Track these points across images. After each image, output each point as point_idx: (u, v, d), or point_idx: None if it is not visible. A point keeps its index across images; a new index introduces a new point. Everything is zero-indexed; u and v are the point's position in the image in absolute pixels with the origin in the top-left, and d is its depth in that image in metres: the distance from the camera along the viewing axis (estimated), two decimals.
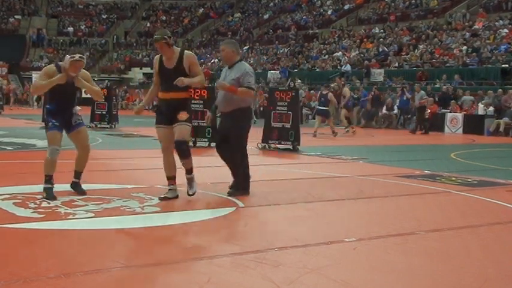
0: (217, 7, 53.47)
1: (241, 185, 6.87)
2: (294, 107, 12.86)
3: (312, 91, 28.10)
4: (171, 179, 6.47)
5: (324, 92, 17.40)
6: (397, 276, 4.04)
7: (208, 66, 39.70)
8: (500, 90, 21.38)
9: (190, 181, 6.42)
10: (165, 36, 6.21)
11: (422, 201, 6.97)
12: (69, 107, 6.44)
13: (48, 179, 6.24)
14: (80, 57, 6.28)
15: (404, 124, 23.46)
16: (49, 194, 6.15)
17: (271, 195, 6.94)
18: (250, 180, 6.94)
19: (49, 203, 5.92)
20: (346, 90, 21.06)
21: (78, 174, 6.63)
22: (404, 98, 22.79)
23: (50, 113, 6.41)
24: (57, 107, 6.38)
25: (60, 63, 6.48)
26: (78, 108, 6.58)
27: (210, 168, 9.62)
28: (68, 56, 6.34)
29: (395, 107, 23.25)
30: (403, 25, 32.99)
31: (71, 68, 6.26)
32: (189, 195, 6.36)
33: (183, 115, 6.30)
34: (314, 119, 19.69)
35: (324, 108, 17.29)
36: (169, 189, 6.43)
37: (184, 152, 6.36)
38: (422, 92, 20.90)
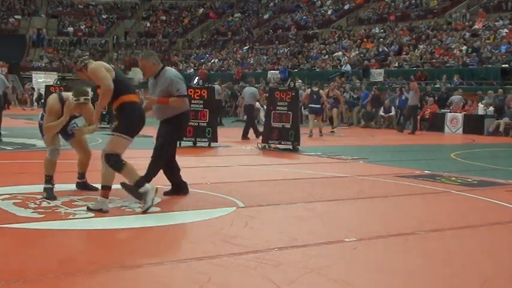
0: (217, 7, 53.45)
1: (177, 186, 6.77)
2: (294, 107, 12.86)
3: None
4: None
5: (315, 89, 17.39)
6: (397, 276, 4.04)
7: (208, 66, 39.71)
8: (500, 90, 21.34)
9: (141, 196, 5.75)
10: (74, 61, 5.95)
11: (422, 201, 6.97)
12: (66, 126, 6.53)
13: (49, 179, 6.25)
14: (84, 99, 6.12)
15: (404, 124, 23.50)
16: (49, 194, 6.16)
17: (271, 195, 6.95)
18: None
19: (49, 203, 5.92)
20: (338, 92, 20.97)
21: (82, 174, 6.75)
22: (403, 98, 22.87)
23: None
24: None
25: (64, 94, 6.41)
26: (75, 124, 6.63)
27: (210, 168, 9.62)
28: (71, 97, 6.16)
29: (392, 108, 23.22)
30: (403, 25, 32.98)
31: (76, 109, 6.22)
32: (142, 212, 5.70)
33: (116, 124, 6.04)
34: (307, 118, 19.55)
35: (316, 106, 17.31)
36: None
37: (113, 166, 5.67)
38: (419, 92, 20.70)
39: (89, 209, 5.63)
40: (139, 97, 6.08)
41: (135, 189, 5.77)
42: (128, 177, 5.78)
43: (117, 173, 5.72)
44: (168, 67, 6.90)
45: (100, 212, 5.55)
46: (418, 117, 21.21)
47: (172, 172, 6.85)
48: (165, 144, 6.68)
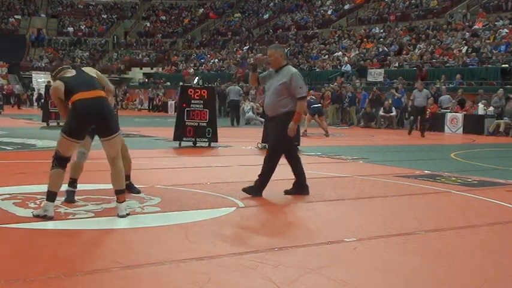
0: (217, 7, 53.48)
1: (258, 185, 6.88)
2: None
3: (311, 91, 28.10)
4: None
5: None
6: (397, 276, 4.04)
7: (209, 67, 39.73)
8: (501, 90, 21.32)
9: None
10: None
11: (422, 201, 6.96)
12: None
13: (71, 182, 6.12)
14: None
15: (403, 124, 23.56)
16: (68, 197, 6.04)
17: (271, 195, 6.94)
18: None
19: None
20: (328, 93, 20.95)
21: (126, 176, 6.46)
22: (395, 98, 23.24)
23: None
24: None
25: None
26: None
27: (210, 168, 9.62)
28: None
29: (393, 109, 23.27)
30: (403, 25, 33.00)
31: None
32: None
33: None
34: None
35: (317, 105, 17.35)
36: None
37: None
38: (426, 91, 19.54)
39: (34, 216, 5.30)
40: (96, 93, 5.52)
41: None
42: (50, 182, 5.44)
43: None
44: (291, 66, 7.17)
45: (44, 218, 5.23)
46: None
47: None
48: (277, 144, 6.84)
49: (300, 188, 6.99)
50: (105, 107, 5.48)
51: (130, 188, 6.62)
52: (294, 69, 6.92)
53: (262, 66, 7.07)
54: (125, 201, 5.53)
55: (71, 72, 5.65)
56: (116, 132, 5.51)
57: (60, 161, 5.41)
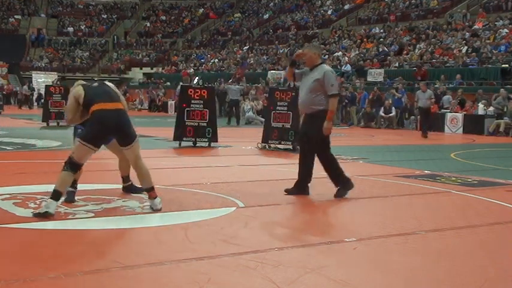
0: (217, 7, 53.47)
1: (300, 185, 7.00)
2: (294, 107, 12.84)
3: None
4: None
5: None
6: (397, 276, 4.04)
7: (209, 67, 39.71)
8: (502, 90, 21.31)
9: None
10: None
11: (422, 201, 6.96)
12: None
13: (72, 182, 6.05)
14: None
15: (403, 124, 23.56)
16: (69, 196, 6.05)
17: (271, 195, 6.94)
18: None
19: None
20: None
21: (125, 178, 6.69)
22: (395, 98, 23.25)
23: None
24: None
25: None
26: None
27: (210, 168, 9.62)
28: None
29: (393, 109, 23.27)
30: (403, 25, 32.99)
31: None
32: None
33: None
34: None
35: None
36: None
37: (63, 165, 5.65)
38: (430, 92, 18.99)
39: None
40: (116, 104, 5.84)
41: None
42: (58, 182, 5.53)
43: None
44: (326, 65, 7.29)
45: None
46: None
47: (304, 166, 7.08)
48: (326, 142, 6.90)
49: (301, 188, 6.99)
50: (124, 119, 5.76)
51: (131, 189, 6.66)
52: (328, 67, 7.08)
53: (299, 63, 7.23)
54: (156, 197, 5.81)
55: (93, 84, 5.95)
56: (133, 140, 5.82)
57: (73, 165, 5.58)
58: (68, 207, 5.79)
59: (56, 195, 5.42)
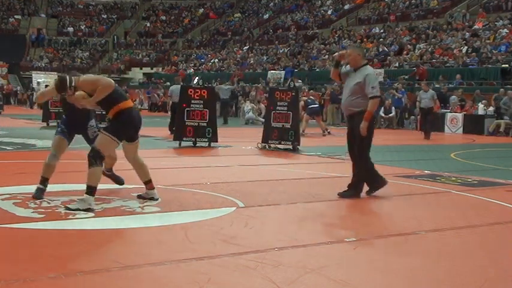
0: (217, 7, 53.47)
1: (355, 186, 7.01)
2: (294, 107, 12.86)
3: (311, 91, 28.12)
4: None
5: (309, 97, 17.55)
6: (397, 276, 4.04)
7: (209, 67, 39.71)
8: (502, 89, 21.30)
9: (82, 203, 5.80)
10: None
11: (422, 201, 6.97)
12: (80, 121, 6.51)
13: (43, 181, 6.27)
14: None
15: (403, 124, 23.55)
16: (37, 194, 6.15)
17: (271, 195, 6.94)
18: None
19: (49, 203, 5.92)
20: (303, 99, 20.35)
21: (109, 169, 6.82)
22: (395, 98, 23.26)
23: (63, 122, 6.57)
24: (68, 119, 6.50)
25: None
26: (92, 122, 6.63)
27: (210, 168, 9.62)
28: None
29: (393, 109, 23.25)
30: (403, 25, 32.99)
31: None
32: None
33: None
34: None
35: (315, 106, 17.38)
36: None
37: (89, 160, 5.84)
38: (432, 92, 18.30)
39: (73, 209, 5.59)
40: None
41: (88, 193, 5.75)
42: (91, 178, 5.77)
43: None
44: (370, 66, 7.29)
45: (87, 211, 5.58)
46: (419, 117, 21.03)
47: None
48: (365, 143, 6.96)
49: (354, 188, 7.03)
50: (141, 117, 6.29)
51: (114, 177, 6.93)
52: (371, 70, 7.12)
53: (343, 63, 7.26)
54: (154, 188, 6.31)
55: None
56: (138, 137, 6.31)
57: (100, 159, 5.86)
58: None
59: (91, 191, 5.70)
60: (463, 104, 21.99)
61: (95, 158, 5.78)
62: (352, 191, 6.95)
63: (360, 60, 7.01)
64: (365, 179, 7.05)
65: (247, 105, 25.29)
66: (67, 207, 5.66)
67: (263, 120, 17.22)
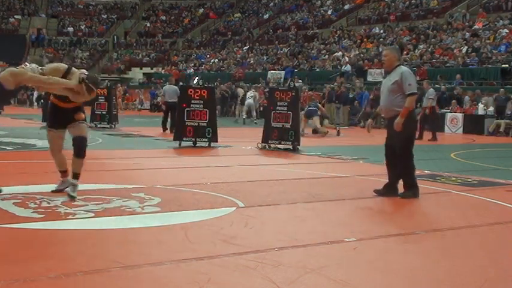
0: (217, 7, 53.45)
1: (391, 187, 7.06)
2: (294, 107, 12.86)
3: (311, 91, 28.12)
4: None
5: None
6: (397, 276, 4.04)
7: (209, 67, 39.70)
8: (502, 89, 21.28)
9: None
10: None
11: (422, 201, 6.97)
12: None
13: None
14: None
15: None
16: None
17: (271, 195, 6.94)
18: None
19: (49, 203, 5.92)
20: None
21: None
22: None
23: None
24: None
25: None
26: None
27: (210, 168, 9.62)
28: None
29: None
30: (403, 25, 32.99)
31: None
32: (73, 197, 6.18)
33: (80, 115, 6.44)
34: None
35: (313, 108, 17.46)
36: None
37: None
38: (432, 90, 17.61)
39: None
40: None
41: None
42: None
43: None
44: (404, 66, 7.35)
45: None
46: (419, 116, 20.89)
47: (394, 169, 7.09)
48: (405, 144, 6.95)
49: (391, 189, 7.05)
50: None
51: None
52: (405, 68, 7.18)
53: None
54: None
55: None
56: None
57: None
58: (68, 207, 5.79)
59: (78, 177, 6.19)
60: (475, 103, 21.92)
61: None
62: (409, 192, 6.96)
63: (395, 61, 7.12)
64: (402, 176, 7.04)
65: (250, 92, 25.28)
66: (71, 196, 6.06)
67: (256, 120, 17.20)
